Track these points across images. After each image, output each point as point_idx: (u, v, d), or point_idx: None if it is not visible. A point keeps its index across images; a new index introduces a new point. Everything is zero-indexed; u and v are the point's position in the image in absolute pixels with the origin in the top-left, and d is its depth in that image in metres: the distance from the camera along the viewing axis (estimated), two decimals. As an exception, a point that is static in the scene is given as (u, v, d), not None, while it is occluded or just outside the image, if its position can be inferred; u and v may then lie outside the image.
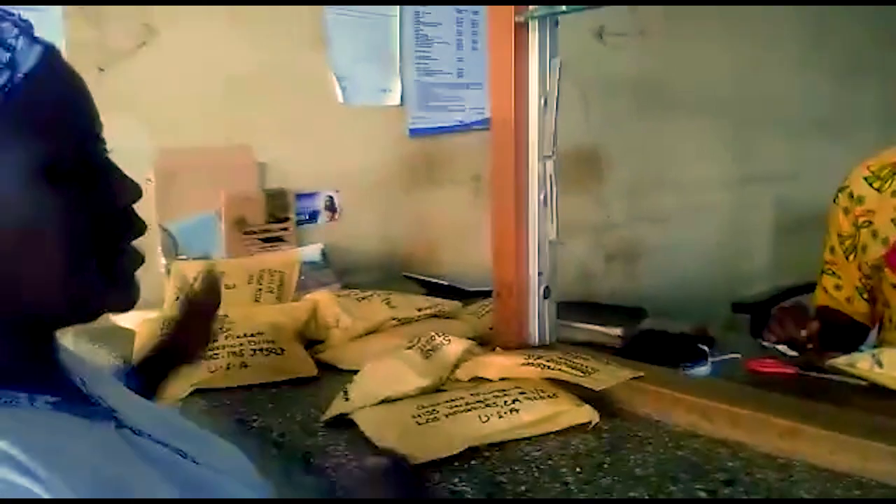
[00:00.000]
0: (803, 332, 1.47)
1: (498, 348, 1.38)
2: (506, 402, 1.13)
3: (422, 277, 2.14)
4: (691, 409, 1.16)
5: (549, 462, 1.05)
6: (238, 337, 1.43)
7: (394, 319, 1.58)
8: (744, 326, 2.27)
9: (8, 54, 0.54)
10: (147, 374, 1.07)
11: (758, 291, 2.55)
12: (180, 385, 1.33)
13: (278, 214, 2.11)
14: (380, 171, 2.34)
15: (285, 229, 2.12)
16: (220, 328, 1.46)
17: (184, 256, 1.94)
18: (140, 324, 1.55)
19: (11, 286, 0.56)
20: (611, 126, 2.94)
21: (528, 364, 1.23)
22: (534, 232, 1.40)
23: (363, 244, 2.30)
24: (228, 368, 1.37)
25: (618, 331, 1.54)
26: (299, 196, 2.17)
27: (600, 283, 3.08)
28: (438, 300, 1.69)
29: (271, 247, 2.07)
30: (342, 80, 2.22)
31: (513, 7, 1.32)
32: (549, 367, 1.21)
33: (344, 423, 1.17)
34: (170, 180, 1.92)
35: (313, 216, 2.21)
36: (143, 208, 1.91)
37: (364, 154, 2.29)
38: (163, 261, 1.92)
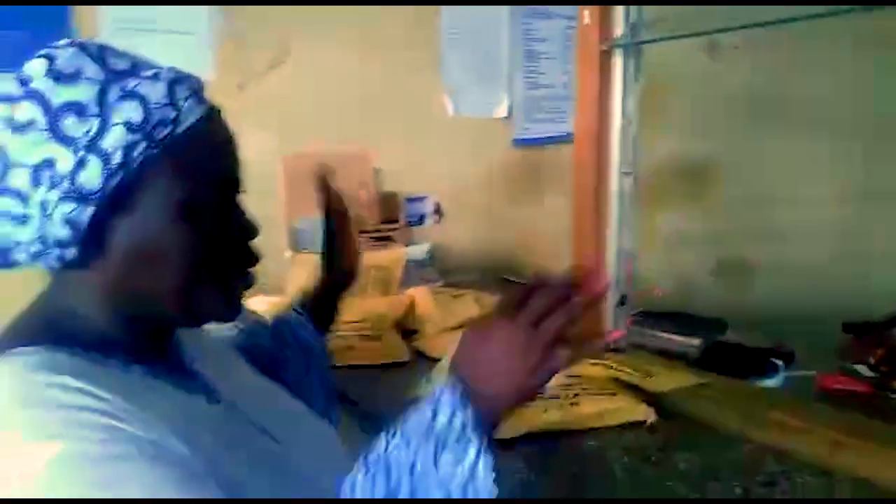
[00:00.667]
0: (872, 358, 1.49)
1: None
2: (567, 395, 1.25)
3: (517, 280, 2.28)
4: (746, 415, 1.23)
5: (601, 452, 1.16)
6: (346, 323, 1.62)
7: (483, 317, 1.73)
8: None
9: (174, 113, 0.66)
10: (316, 311, 1.14)
11: (879, 314, 2.48)
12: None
13: (389, 216, 2.31)
14: (485, 178, 2.50)
15: (395, 229, 2.32)
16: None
17: (305, 249, 2.17)
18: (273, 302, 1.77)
19: (138, 290, 0.69)
20: (722, 139, 2.95)
21: (596, 364, 1.34)
22: (613, 242, 1.50)
23: (465, 246, 2.46)
24: (336, 350, 1.56)
25: (696, 341, 1.61)
26: (409, 199, 2.36)
27: (704, 296, 3.08)
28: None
29: (382, 245, 2.28)
30: (453, 95, 2.39)
31: (598, 36, 1.44)
32: (613, 367, 1.32)
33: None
34: (296, 182, 2.16)
35: (421, 218, 2.40)
36: (273, 207, 2.18)
37: (471, 162, 2.46)
38: (287, 253, 2.16)
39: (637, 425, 1.24)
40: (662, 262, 2.88)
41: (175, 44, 1.99)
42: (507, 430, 1.17)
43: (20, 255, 0.67)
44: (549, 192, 2.63)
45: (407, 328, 1.73)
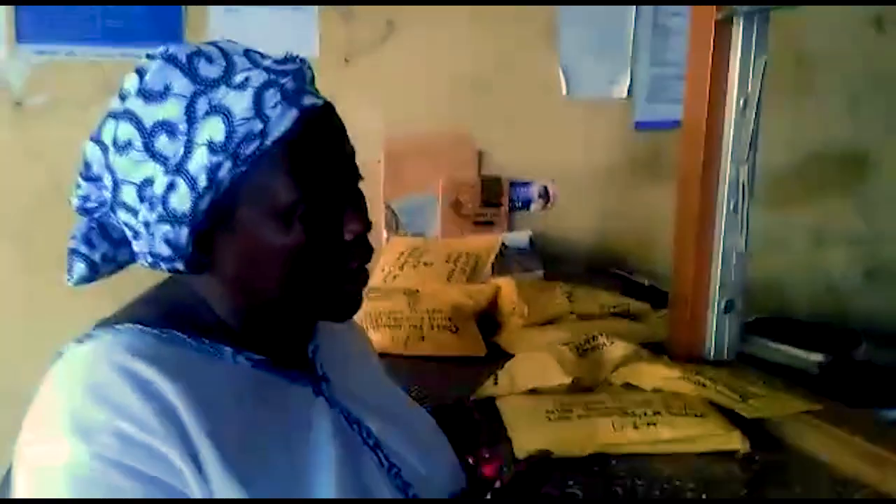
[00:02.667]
0: None
1: (666, 358, 1.33)
2: (646, 413, 1.10)
3: (625, 274, 2.10)
4: (862, 454, 1.03)
5: (676, 483, 1.01)
6: (422, 311, 1.54)
7: (572, 314, 1.59)
8: None
9: (261, 125, 0.63)
10: None
11: None
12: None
13: (492, 200, 2.20)
14: (600, 163, 2.32)
15: (497, 215, 2.20)
16: (411, 302, 1.59)
17: (403, 232, 2.11)
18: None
19: (252, 292, 0.70)
20: (882, 125, 2.58)
21: (684, 378, 1.18)
22: (719, 241, 1.32)
23: (574, 235, 2.30)
24: (408, 339, 1.49)
25: (818, 356, 1.39)
26: (513, 184, 2.23)
27: (854, 302, 2.74)
28: (626, 299, 1.67)
29: (482, 230, 2.17)
30: (568, 73, 2.23)
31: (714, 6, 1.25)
32: (704, 384, 1.15)
33: (490, 404, 1.22)
34: (397, 162, 2.10)
35: (526, 204, 2.27)
36: (371, 186, 2.13)
37: (584, 146, 2.29)
38: (384, 235, 2.11)
39: (726, 455, 1.08)
40: (800, 264, 2.58)
41: (282, 18, 1.97)
42: (569, 446, 1.05)
43: (142, 263, 0.70)
44: (671, 180, 2.41)
45: (491, 321, 1.62)
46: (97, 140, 0.67)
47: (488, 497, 0.84)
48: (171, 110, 0.63)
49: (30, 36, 1.75)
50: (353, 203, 0.71)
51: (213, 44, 0.68)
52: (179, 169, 0.63)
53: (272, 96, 0.64)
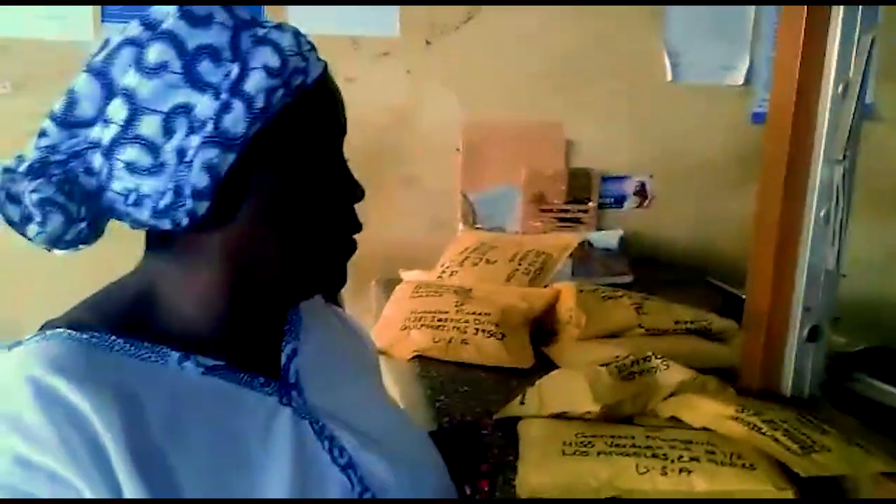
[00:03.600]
0: None
1: (732, 391, 1.13)
2: (681, 457, 0.92)
3: (724, 286, 1.86)
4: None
5: (701, 546, 0.83)
6: (468, 313, 1.42)
7: (640, 327, 1.41)
8: None
9: (304, 63, 0.65)
10: None
11: None
12: (405, 347, 1.39)
13: (580, 195, 2.03)
14: (708, 158, 2.08)
15: (585, 211, 2.03)
16: (460, 301, 1.47)
17: (479, 226, 1.99)
18: (414, 285, 1.63)
19: (257, 254, 0.67)
20: None
21: (738, 419, 0.98)
22: (805, 255, 1.10)
23: (672, 238, 2.09)
24: (450, 342, 1.37)
25: (927, 403, 1.14)
26: (606, 178, 2.05)
27: None
28: (708, 315, 1.45)
29: (568, 227, 2.01)
30: (675, 56, 2.01)
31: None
32: (760, 429, 0.95)
33: (514, 425, 1.09)
34: (476, 151, 1.99)
35: (619, 201, 2.08)
36: (449, 175, 2.05)
37: (691, 138, 2.06)
38: (460, 226, 2.00)
39: (777, 517, 0.88)
40: (873, 285, 2.21)
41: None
42: (580, 487, 0.90)
43: (142, 214, 0.62)
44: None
45: (547, 329, 1.46)
46: (97, 71, 0.61)
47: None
48: (217, 37, 0.61)
49: (114, 15, 1.79)
50: (346, 172, 0.72)
51: None
52: (235, 90, 0.61)
53: (306, 42, 0.66)
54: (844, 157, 1.06)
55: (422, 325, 1.41)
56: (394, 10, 1.91)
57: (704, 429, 1.01)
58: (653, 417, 1.08)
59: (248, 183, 0.64)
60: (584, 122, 2.02)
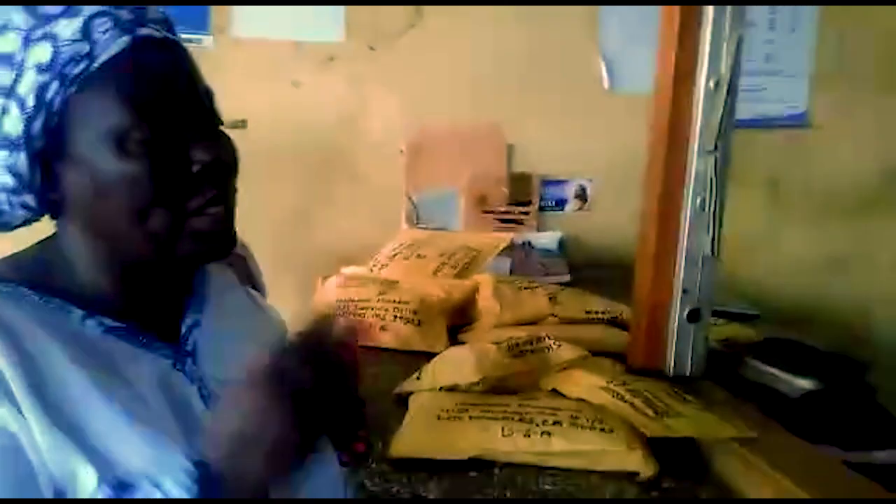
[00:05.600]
0: None
1: (617, 368, 1.19)
2: (545, 421, 0.99)
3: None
4: (781, 494, 0.86)
5: (550, 499, 0.89)
6: (388, 301, 1.49)
7: (553, 316, 1.48)
8: None
9: (88, 47, 0.64)
10: None
11: None
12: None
13: (521, 198, 2.10)
14: (644, 163, 2.15)
15: (526, 213, 2.10)
16: (383, 291, 1.54)
17: (423, 226, 2.06)
18: (344, 277, 1.70)
19: (102, 230, 0.69)
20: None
21: (606, 389, 1.05)
22: (683, 241, 1.17)
23: (612, 240, 2.14)
24: (369, 328, 1.44)
25: (805, 382, 1.20)
26: (547, 182, 2.12)
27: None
28: (619, 306, 1.51)
29: (509, 228, 2.08)
30: (611, 65, 2.09)
31: (680, -30, 1.11)
32: (622, 396, 1.02)
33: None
34: (420, 153, 2.06)
35: (560, 203, 2.15)
36: (393, 177, 2.10)
37: (627, 144, 2.11)
38: (404, 226, 2.07)
39: (630, 478, 0.94)
40: (889, 281, 2.27)
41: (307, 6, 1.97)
42: (448, 448, 0.96)
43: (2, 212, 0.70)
44: (733, 184, 2.20)
45: (463, 319, 1.53)
46: None
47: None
48: (10, 44, 0.64)
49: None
50: (201, 135, 0.68)
51: None
52: (10, 93, 0.63)
53: (103, 24, 0.64)
54: (716, 147, 1.13)
55: (345, 314, 1.47)
56: (339, 16, 1.99)
57: (579, 399, 1.07)
58: (537, 391, 1.14)
59: (60, 173, 0.67)
60: (525, 127, 2.10)
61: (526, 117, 2.10)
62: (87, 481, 0.62)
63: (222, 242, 0.71)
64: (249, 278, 0.95)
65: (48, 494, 0.62)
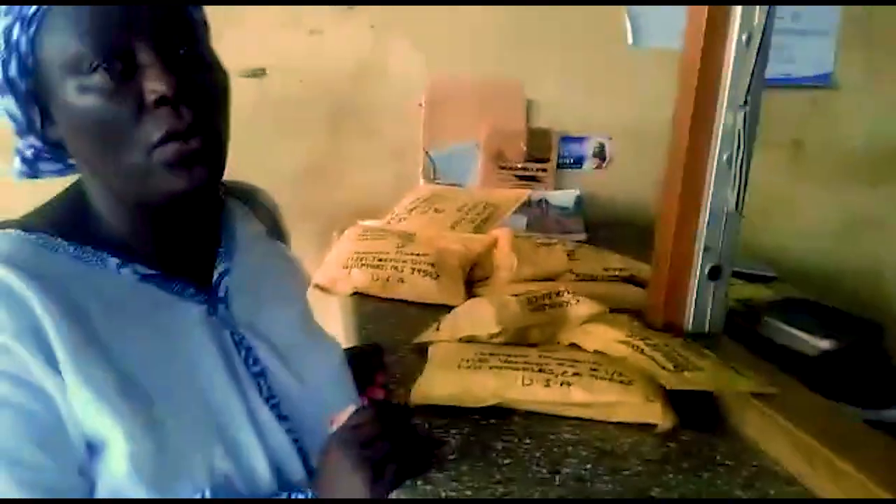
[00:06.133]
0: None
1: (635, 323, 1.19)
2: (564, 372, 0.99)
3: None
4: (797, 447, 0.87)
5: (567, 448, 0.90)
6: (406, 254, 1.49)
7: (571, 273, 1.48)
8: None
9: None
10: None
11: None
12: (346, 284, 1.46)
13: (539, 154, 2.08)
14: (666, 122, 2.12)
15: (543, 170, 2.09)
16: (401, 244, 1.54)
17: (439, 181, 2.05)
18: (361, 229, 1.69)
19: (91, 163, 0.71)
20: None
21: (625, 342, 1.05)
22: (707, 197, 1.16)
23: (630, 199, 2.13)
24: (387, 280, 1.44)
25: (825, 343, 1.20)
26: (566, 139, 2.10)
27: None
28: (637, 264, 1.51)
29: (526, 185, 2.06)
30: (635, 19, 2.05)
31: (716, -83, 1.08)
32: (642, 349, 1.02)
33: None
34: (438, 107, 2.03)
35: (578, 161, 2.13)
36: (411, 131, 2.08)
37: (649, 103, 2.08)
38: (421, 181, 2.06)
39: (647, 429, 0.95)
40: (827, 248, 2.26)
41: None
42: (467, 395, 0.97)
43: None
44: (756, 144, 2.17)
45: (480, 274, 1.53)
46: None
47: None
48: None
49: None
50: (160, 63, 0.65)
51: None
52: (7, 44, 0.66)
53: None
54: (746, 102, 1.12)
55: (362, 265, 1.47)
56: (358, -35, 1.95)
57: (597, 352, 1.08)
58: (556, 344, 1.15)
59: (50, 113, 0.69)
60: (545, 83, 2.07)
61: (547, 73, 2.06)
62: (118, 443, 0.64)
63: (199, 171, 0.68)
64: (276, 231, 0.96)
65: (80, 454, 0.64)
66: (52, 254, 0.69)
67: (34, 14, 0.64)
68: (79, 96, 0.65)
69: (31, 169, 0.74)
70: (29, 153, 0.73)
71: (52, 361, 0.63)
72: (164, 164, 0.67)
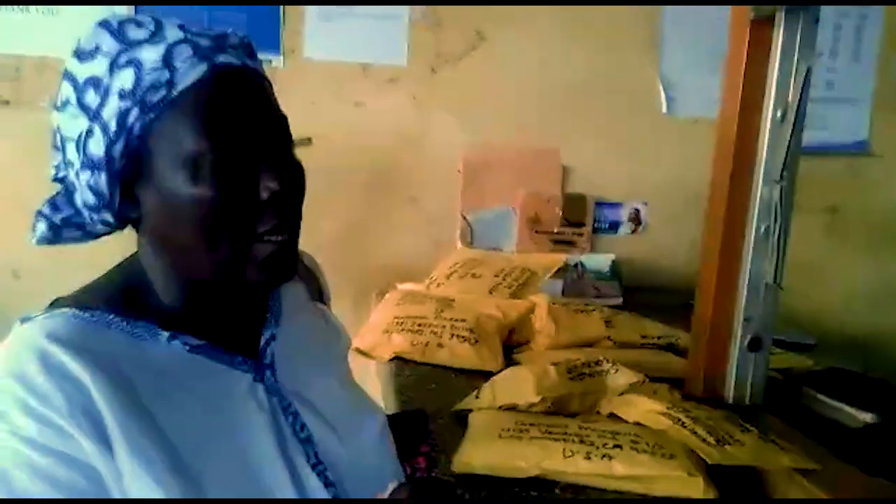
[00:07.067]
0: None
1: (674, 394, 1.19)
2: (605, 444, 1.00)
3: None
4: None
5: (612, 524, 0.90)
6: (445, 319, 1.51)
7: (609, 340, 1.48)
8: None
9: (168, 75, 0.67)
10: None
11: None
12: (386, 349, 1.48)
13: (574, 219, 2.11)
14: (701, 188, 2.14)
15: (580, 234, 2.11)
16: (440, 309, 1.57)
17: (477, 245, 2.09)
18: (402, 294, 1.73)
19: (176, 251, 0.73)
20: None
21: (666, 414, 1.05)
22: (746, 269, 1.17)
23: (664, 264, 2.15)
24: (427, 345, 1.46)
25: (866, 416, 1.18)
26: (602, 204, 2.13)
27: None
28: (676, 331, 1.52)
29: (562, 249, 2.09)
30: (669, 90, 2.10)
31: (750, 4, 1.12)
32: (683, 422, 1.02)
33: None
34: (476, 174, 2.09)
35: (614, 226, 2.15)
36: (450, 196, 2.13)
37: (684, 169, 2.13)
38: (458, 245, 2.09)
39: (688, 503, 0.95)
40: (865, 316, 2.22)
41: (373, 26, 2.02)
42: (508, 467, 0.98)
43: (86, 221, 0.74)
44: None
45: (518, 339, 1.54)
46: (56, 106, 0.72)
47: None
48: (99, 67, 0.68)
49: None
50: (272, 163, 0.70)
51: (152, 16, 0.71)
52: (95, 116, 0.67)
53: (183, 51, 0.68)
54: (782, 177, 1.14)
55: (402, 329, 1.50)
56: (402, 39, 2.03)
57: (637, 423, 1.08)
58: (596, 415, 1.15)
59: (139, 193, 0.71)
60: (581, 150, 2.11)
61: (582, 139, 2.12)
62: None
63: (285, 269, 0.73)
64: (319, 294, 0.99)
65: None
66: (106, 330, 0.70)
67: (157, 102, 0.67)
68: (191, 187, 0.67)
69: (56, 236, 0.74)
70: (58, 220, 0.73)
71: (103, 440, 0.64)
72: (260, 258, 0.71)
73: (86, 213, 0.72)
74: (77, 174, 0.69)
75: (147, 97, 0.66)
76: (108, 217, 0.72)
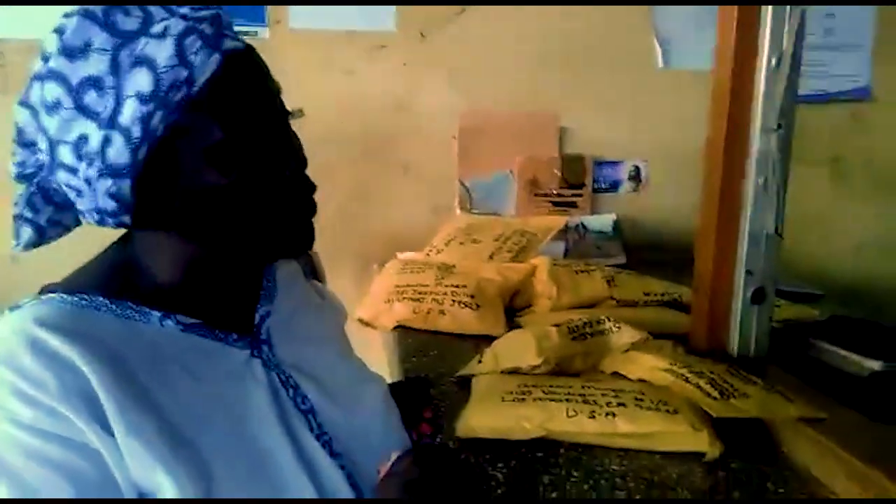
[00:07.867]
0: None
1: (678, 350, 1.19)
2: (609, 403, 0.99)
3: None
4: (849, 473, 0.86)
5: (616, 480, 0.90)
6: (447, 286, 1.50)
7: (612, 299, 1.48)
8: None
9: (186, 72, 0.65)
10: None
11: None
12: (389, 318, 1.48)
13: (573, 180, 2.09)
14: (699, 142, 2.11)
15: (579, 195, 2.09)
16: (441, 276, 1.56)
17: (475, 211, 2.07)
18: (401, 263, 1.72)
19: (203, 238, 0.73)
20: None
21: (669, 370, 1.05)
22: (746, 221, 1.15)
23: (667, 221, 2.13)
24: (428, 313, 1.46)
25: (874, 363, 1.18)
26: (600, 164, 2.11)
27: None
28: (679, 287, 1.51)
29: (562, 211, 2.08)
30: (665, 44, 2.06)
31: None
32: (687, 378, 1.02)
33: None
34: (472, 139, 2.07)
35: (614, 185, 2.13)
36: (446, 162, 2.11)
37: (683, 123, 2.08)
38: (457, 212, 2.08)
39: (696, 458, 0.94)
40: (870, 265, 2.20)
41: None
42: (512, 428, 0.97)
43: (89, 221, 0.72)
44: (793, 162, 2.15)
45: (520, 302, 1.54)
46: (26, 104, 0.68)
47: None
48: (96, 65, 0.64)
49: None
50: (285, 140, 0.73)
51: None
52: (113, 123, 0.64)
53: (193, 43, 0.65)
54: (779, 126, 1.12)
55: (404, 298, 1.50)
56: (390, 7, 1.99)
57: (641, 381, 1.07)
58: (599, 374, 1.15)
59: (161, 191, 0.68)
60: (577, 110, 2.08)
61: (578, 99, 2.09)
62: (169, 492, 0.65)
63: (309, 236, 0.77)
64: (314, 271, 0.99)
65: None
66: (95, 312, 0.69)
67: (180, 101, 0.65)
68: (223, 178, 0.68)
69: (42, 238, 0.73)
70: (43, 222, 0.72)
71: (100, 420, 0.64)
72: (298, 223, 0.76)
73: (94, 216, 0.70)
74: (89, 181, 0.66)
75: (169, 98, 0.64)
76: (127, 220, 0.70)
